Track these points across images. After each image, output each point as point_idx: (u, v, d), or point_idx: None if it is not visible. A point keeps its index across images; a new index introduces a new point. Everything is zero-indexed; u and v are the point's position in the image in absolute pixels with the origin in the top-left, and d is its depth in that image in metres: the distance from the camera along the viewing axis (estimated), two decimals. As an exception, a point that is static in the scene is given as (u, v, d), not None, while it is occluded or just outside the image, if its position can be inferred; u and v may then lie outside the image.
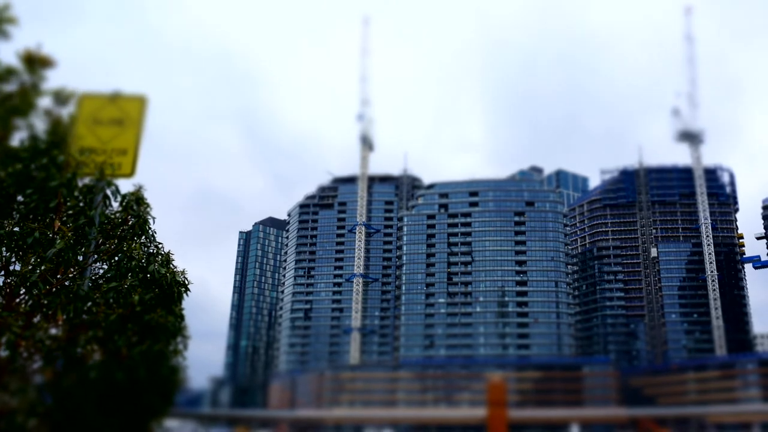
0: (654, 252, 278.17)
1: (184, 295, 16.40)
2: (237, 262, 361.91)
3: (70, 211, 13.58)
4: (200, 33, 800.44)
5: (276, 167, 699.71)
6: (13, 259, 13.39)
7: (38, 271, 13.14)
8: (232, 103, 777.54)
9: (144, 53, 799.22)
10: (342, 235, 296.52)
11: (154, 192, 15.58)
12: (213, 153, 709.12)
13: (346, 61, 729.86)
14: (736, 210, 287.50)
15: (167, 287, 15.61)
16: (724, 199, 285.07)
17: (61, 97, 12.16)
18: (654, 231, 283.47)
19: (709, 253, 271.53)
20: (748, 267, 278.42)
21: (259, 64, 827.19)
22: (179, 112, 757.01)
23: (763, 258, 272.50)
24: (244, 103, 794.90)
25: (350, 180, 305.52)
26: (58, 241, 12.83)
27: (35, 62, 11.51)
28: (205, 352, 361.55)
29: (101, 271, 15.41)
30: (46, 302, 13.15)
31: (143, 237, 15.40)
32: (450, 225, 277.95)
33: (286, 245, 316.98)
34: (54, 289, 13.27)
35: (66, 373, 12.98)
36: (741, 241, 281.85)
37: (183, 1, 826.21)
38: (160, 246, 16.16)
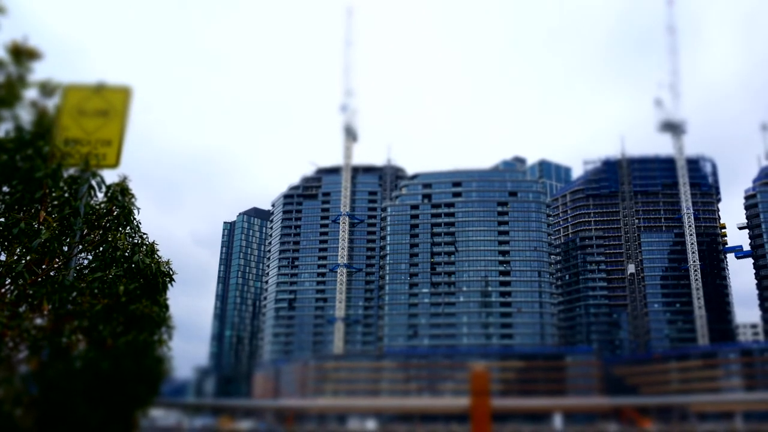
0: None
1: (169, 285, 16.44)
2: (221, 253, 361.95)
3: (55, 202, 13.61)
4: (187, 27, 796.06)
5: (261, 157, 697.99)
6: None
7: (24, 261, 13.16)
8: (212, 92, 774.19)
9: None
10: (326, 226, 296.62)
11: (137, 180, 15.63)
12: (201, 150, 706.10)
13: (330, 52, 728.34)
14: (719, 200, 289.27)
15: (152, 277, 15.65)
16: (706, 189, 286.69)
17: (47, 89, 12.19)
18: (636, 221, 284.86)
19: (692, 243, 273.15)
20: (731, 257, 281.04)
21: (245, 53, 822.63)
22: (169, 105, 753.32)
23: (746, 248, 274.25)
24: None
25: (334, 170, 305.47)
26: (44, 231, 12.86)
27: (22, 54, 11.53)
28: (189, 343, 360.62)
29: (86, 262, 15.44)
30: (31, 292, 13.17)
31: (128, 227, 15.43)
32: (433, 215, 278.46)
33: (270, 235, 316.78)
34: (39, 280, 13.30)
35: (51, 363, 13.02)
36: (723, 231, 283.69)
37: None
38: (144, 236, 16.19)
